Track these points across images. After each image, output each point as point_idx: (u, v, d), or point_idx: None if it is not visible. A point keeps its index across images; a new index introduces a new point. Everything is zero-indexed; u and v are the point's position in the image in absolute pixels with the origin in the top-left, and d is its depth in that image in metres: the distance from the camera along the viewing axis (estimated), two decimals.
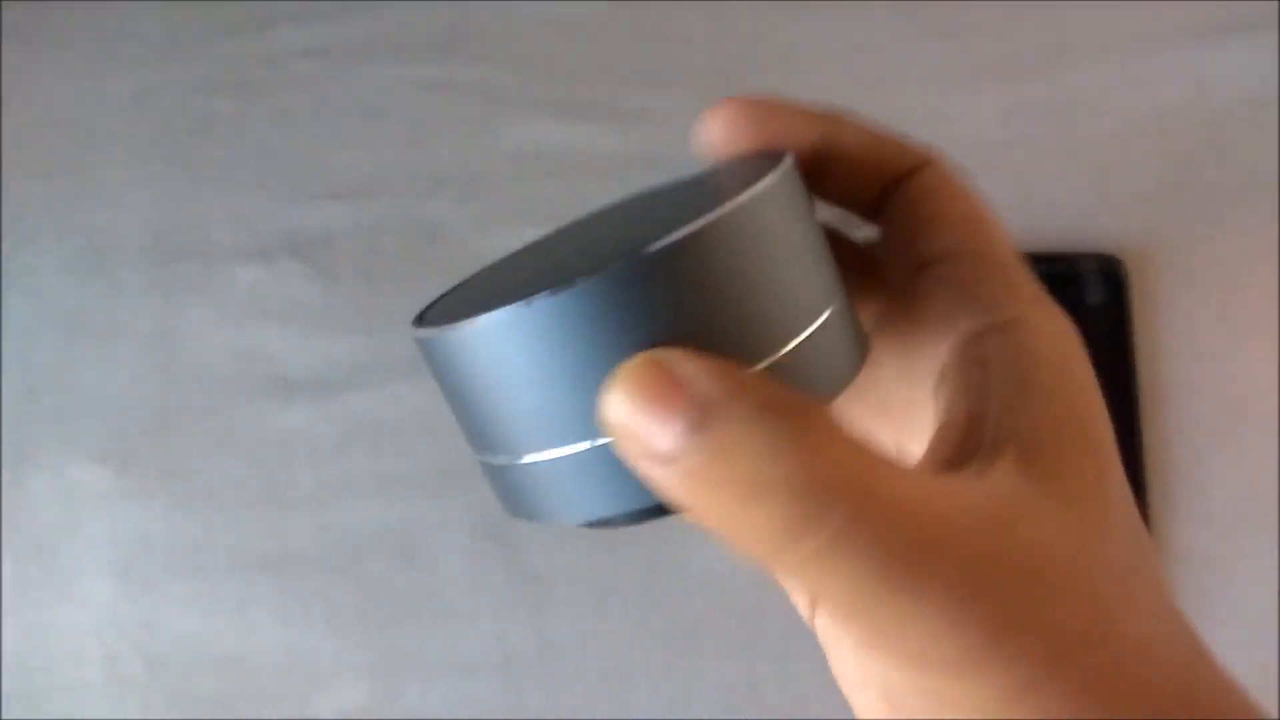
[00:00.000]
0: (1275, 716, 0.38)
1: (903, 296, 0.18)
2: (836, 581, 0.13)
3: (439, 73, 0.47)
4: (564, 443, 0.14)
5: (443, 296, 0.18)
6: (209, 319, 0.44)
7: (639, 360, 0.13)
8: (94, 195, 0.46)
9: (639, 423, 0.13)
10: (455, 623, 0.40)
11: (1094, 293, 0.42)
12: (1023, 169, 0.44)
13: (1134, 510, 0.16)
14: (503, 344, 0.14)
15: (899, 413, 0.19)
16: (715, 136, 0.18)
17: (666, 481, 0.13)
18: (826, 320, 0.16)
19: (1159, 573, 0.16)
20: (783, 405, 0.13)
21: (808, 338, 0.15)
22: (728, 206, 0.14)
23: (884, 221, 0.19)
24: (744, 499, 0.13)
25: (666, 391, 0.13)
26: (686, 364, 0.13)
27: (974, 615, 0.13)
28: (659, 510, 0.15)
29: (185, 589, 0.41)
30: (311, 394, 0.43)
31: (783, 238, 0.15)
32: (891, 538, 0.13)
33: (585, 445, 0.14)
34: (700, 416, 0.13)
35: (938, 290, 0.17)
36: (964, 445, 0.16)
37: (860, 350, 0.17)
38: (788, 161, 0.16)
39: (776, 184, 0.15)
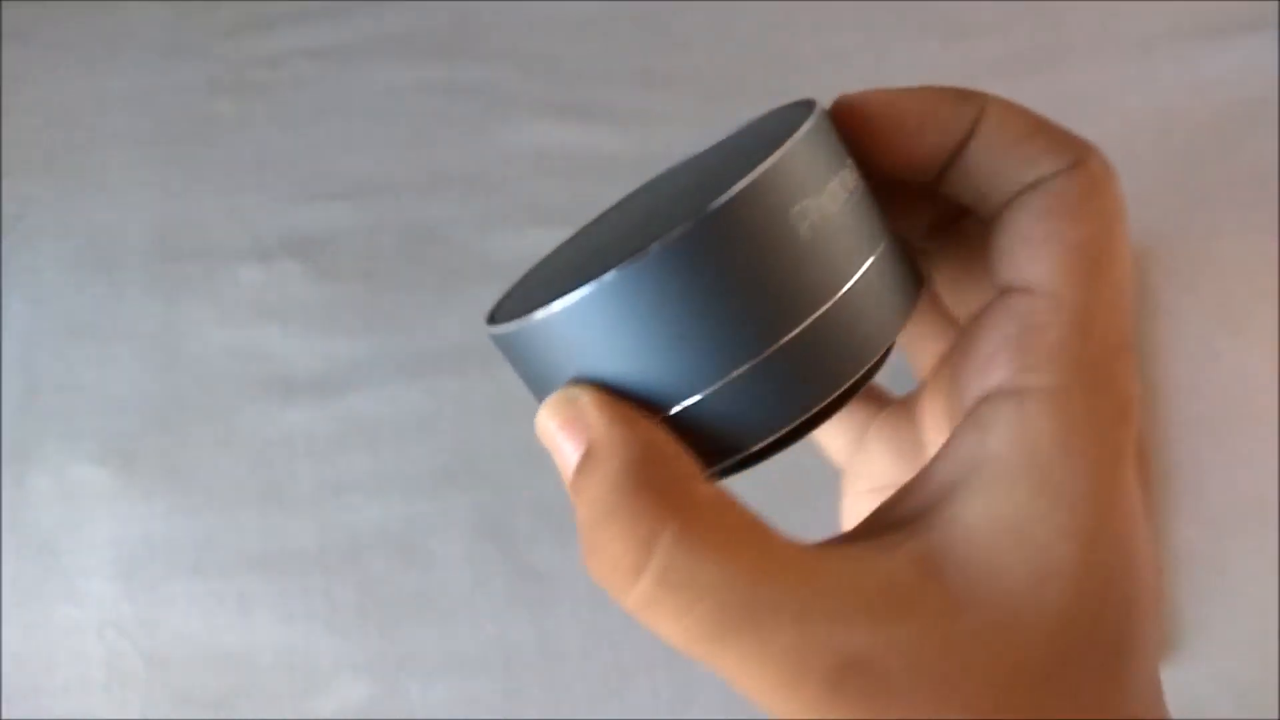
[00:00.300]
0: None
1: (968, 322, 0.17)
2: (664, 624, 0.14)
3: (440, 73, 0.47)
4: (676, 399, 0.15)
5: (504, 299, 0.19)
6: (210, 319, 0.44)
7: (554, 398, 0.15)
8: (95, 195, 0.46)
9: (554, 441, 0.15)
10: (455, 621, 0.40)
11: None
12: None
13: (1126, 625, 0.15)
14: (590, 319, 0.15)
15: (910, 452, 0.18)
16: (847, 138, 0.17)
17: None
18: (767, 357, 0.15)
19: None
20: (627, 451, 0.14)
21: (738, 376, 0.15)
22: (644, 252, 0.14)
23: (997, 226, 0.17)
24: (594, 534, 0.14)
25: (571, 425, 0.15)
26: (589, 408, 0.15)
27: (809, 674, 0.13)
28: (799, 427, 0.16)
29: (186, 588, 0.41)
30: (312, 394, 0.43)
31: (720, 277, 0.14)
32: (715, 587, 0.13)
33: (694, 398, 0.15)
34: (583, 457, 0.14)
35: (995, 326, 0.16)
36: (898, 509, 0.16)
37: (821, 384, 0.15)
38: (756, 174, 0.15)
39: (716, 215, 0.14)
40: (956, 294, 0.19)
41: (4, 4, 0.49)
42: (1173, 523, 0.40)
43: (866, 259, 0.16)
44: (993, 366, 0.15)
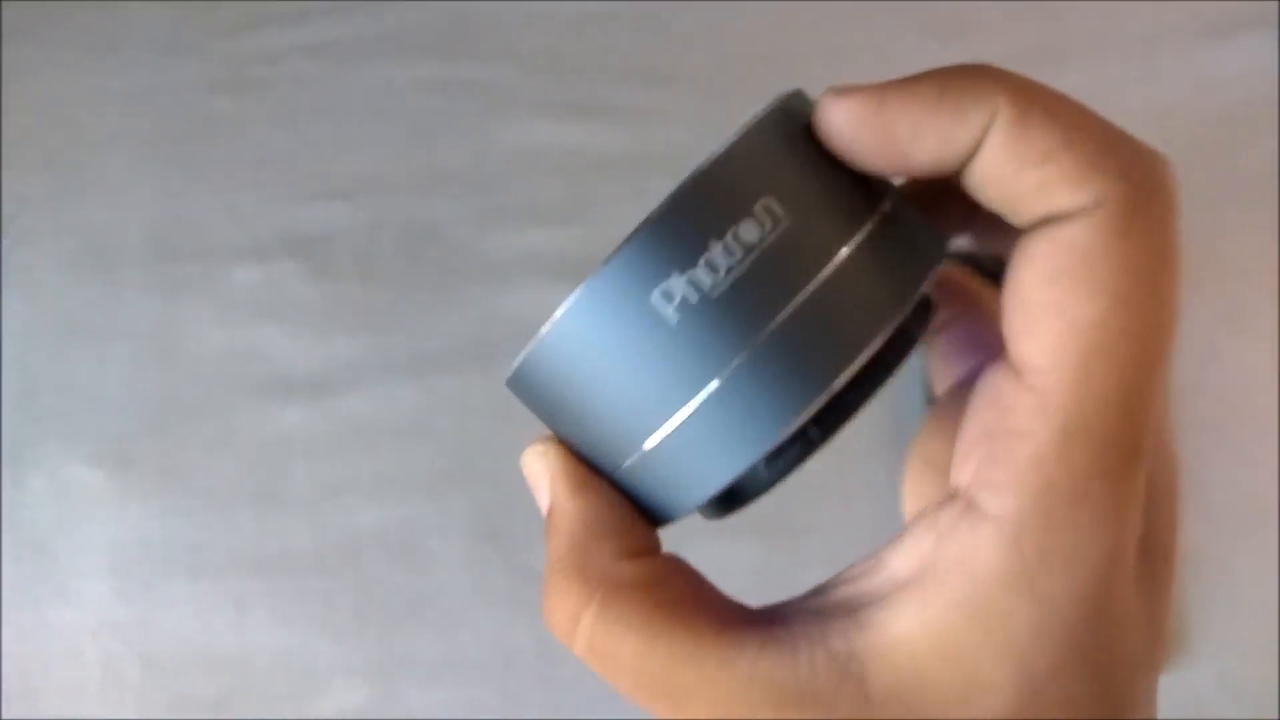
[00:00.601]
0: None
1: (963, 391, 0.15)
2: (607, 677, 0.15)
3: (438, 72, 0.47)
4: (668, 414, 0.15)
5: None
6: (207, 318, 0.44)
7: (533, 447, 0.16)
8: (92, 194, 0.46)
9: (533, 488, 0.17)
10: (453, 624, 0.40)
11: None
12: None
13: None
14: (569, 345, 0.15)
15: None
16: (840, 139, 0.15)
17: None
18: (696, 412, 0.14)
19: None
20: (566, 522, 0.15)
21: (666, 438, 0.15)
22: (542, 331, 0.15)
23: (1008, 273, 0.14)
24: (545, 591, 0.15)
25: (537, 482, 0.16)
26: (549, 470, 0.16)
27: None
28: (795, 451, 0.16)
29: (183, 590, 0.41)
30: (310, 394, 0.43)
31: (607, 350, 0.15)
32: (629, 665, 0.14)
33: (690, 407, 0.15)
34: (545, 518, 0.16)
35: (979, 407, 0.14)
36: (839, 594, 0.15)
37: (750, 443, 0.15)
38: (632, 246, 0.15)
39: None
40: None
41: (2, 3, 0.49)
42: None
43: (798, 294, 0.14)
44: (964, 460, 0.14)
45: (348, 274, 0.45)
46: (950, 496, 0.14)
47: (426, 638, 0.40)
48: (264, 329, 0.44)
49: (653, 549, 0.16)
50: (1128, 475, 0.13)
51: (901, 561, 0.14)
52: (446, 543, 0.41)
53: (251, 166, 0.46)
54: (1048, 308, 0.13)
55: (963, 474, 0.14)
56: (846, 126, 0.15)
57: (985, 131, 0.14)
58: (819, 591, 0.16)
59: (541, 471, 0.16)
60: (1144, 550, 0.14)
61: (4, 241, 0.46)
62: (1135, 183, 0.13)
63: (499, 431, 0.44)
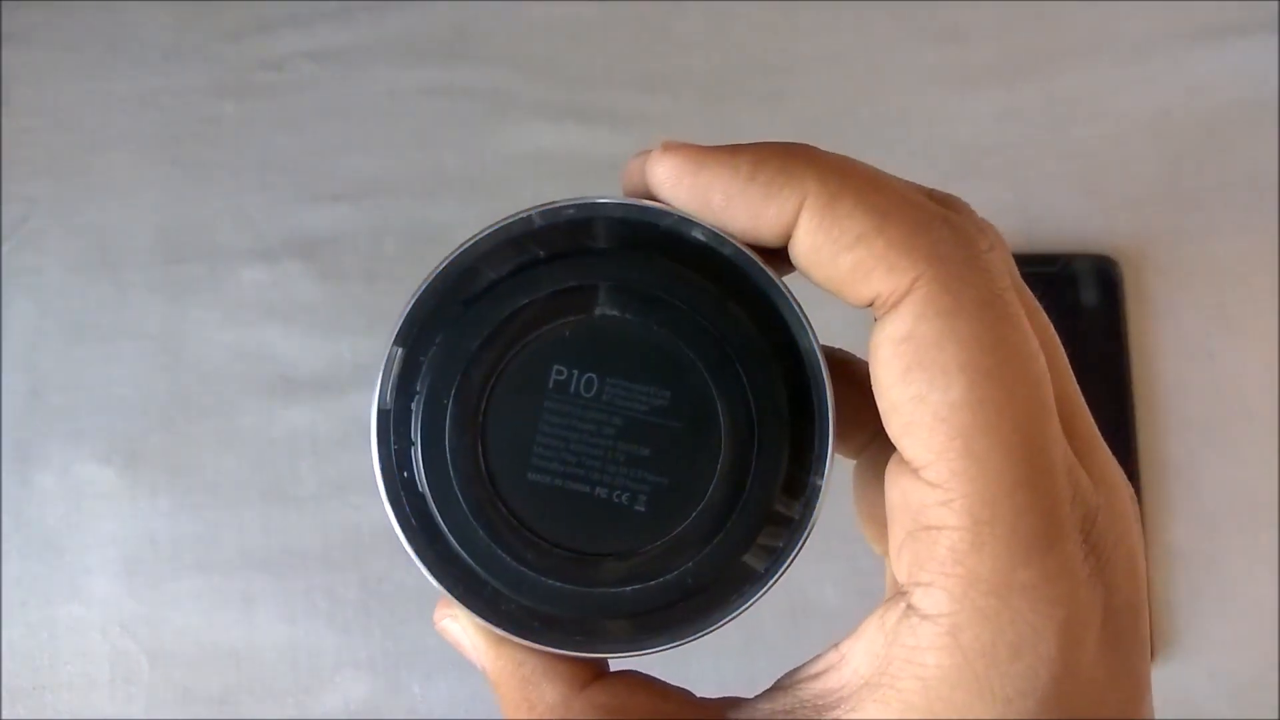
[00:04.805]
0: None
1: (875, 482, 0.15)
2: None
3: (442, 76, 0.47)
4: None
5: None
6: (214, 319, 0.44)
7: (439, 610, 0.18)
8: (99, 196, 0.46)
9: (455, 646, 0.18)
10: None
11: (1089, 294, 0.42)
12: (1018, 170, 0.45)
13: None
14: None
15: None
16: (661, 192, 0.15)
17: None
18: None
19: None
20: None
21: None
22: None
23: (872, 375, 0.14)
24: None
25: (460, 645, 0.18)
26: (460, 632, 0.17)
27: None
28: None
29: (190, 586, 0.41)
30: (315, 393, 0.43)
31: None
32: None
33: None
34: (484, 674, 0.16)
35: (898, 508, 0.14)
36: (800, 693, 0.15)
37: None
38: None
39: None
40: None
41: (6, 6, 0.49)
42: (1168, 522, 0.40)
43: None
44: (898, 558, 0.14)
45: (352, 275, 0.45)
46: (896, 594, 0.14)
47: (430, 632, 0.40)
48: (270, 329, 0.44)
49: (602, 671, 0.16)
50: (1055, 545, 0.13)
51: (861, 659, 0.14)
52: None
53: (257, 169, 0.46)
54: (912, 403, 0.13)
55: (900, 571, 0.14)
56: (667, 181, 0.15)
57: (797, 213, 0.14)
58: (785, 688, 0.16)
59: (459, 635, 0.17)
60: (1107, 612, 0.14)
61: (11, 244, 0.46)
62: (947, 256, 0.13)
63: None
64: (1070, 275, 0.42)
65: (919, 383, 0.13)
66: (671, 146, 0.15)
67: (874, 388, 0.14)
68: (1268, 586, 0.39)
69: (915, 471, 0.13)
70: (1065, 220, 0.44)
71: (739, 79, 0.47)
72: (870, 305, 0.14)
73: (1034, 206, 0.44)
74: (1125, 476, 0.15)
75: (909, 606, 0.13)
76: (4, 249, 0.46)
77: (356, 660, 0.40)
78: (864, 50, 0.47)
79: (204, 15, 0.49)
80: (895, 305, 0.13)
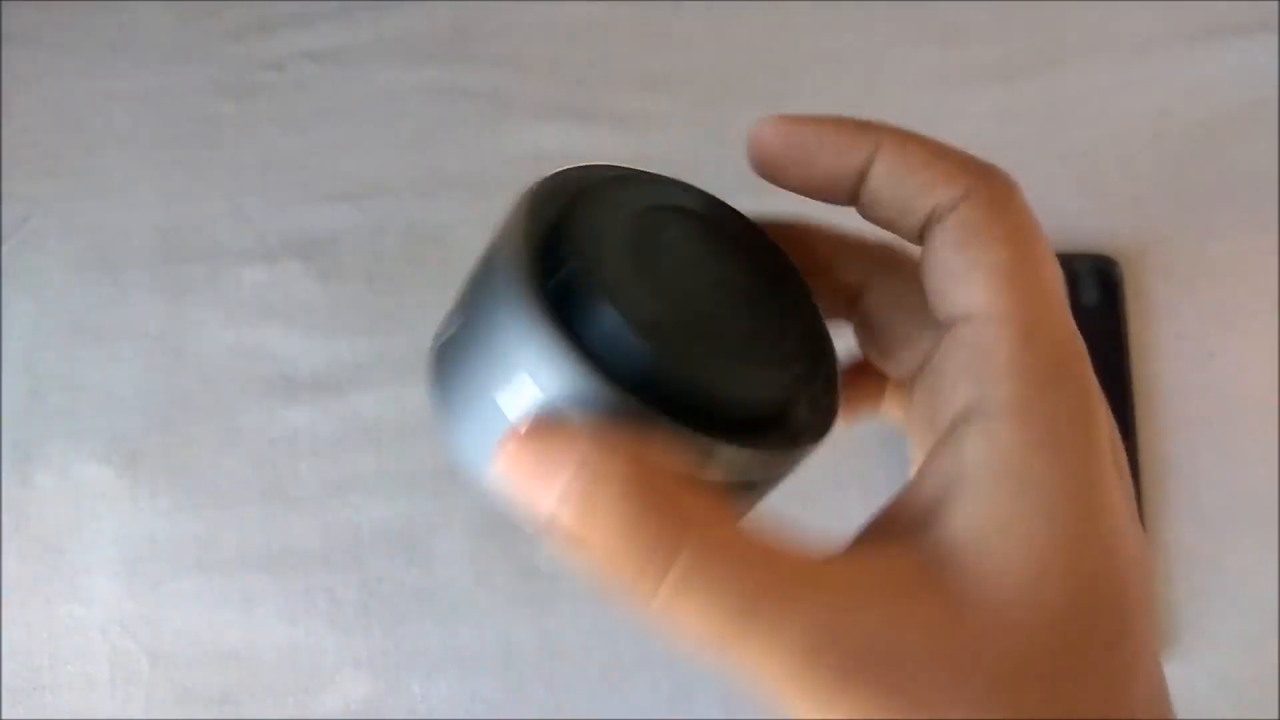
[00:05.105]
0: None
1: (929, 361, 0.18)
2: (679, 630, 0.14)
3: (442, 76, 0.47)
4: None
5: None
6: (214, 319, 0.44)
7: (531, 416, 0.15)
8: (100, 196, 0.47)
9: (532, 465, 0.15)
10: (457, 619, 0.41)
11: (1089, 293, 0.42)
12: (1018, 170, 0.44)
13: (1125, 624, 0.15)
14: None
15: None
16: (760, 161, 0.19)
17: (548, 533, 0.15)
18: None
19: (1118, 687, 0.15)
20: (631, 472, 0.14)
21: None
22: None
23: (923, 265, 0.18)
24: (601, 560, 0.14)
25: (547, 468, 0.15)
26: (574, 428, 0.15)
27: (813, 675, 0.14)
28: None
29: (190, 586, 0.41)
30: (315, 393, 0.43)
31: None
32: (729, 593, 0.14)
33: None
34: (577, 475, 0.14)
35: (951, 358, 0.17)
36: (889, 526, 0.16)
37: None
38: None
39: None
40: (903, 343, 0.19)
41: (7, 6, 0.49)
42: (1169, 522, 0.40)
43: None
44: (956, 393, 0.16)
45: (353, 275, 0.45)
46: (951, 426, 0.16)
47: (430, 632, 0.40)
48: (270, 329, 0.44)
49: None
50: (1078, 353, 0.16)
51: (932, 483, 0.16)
52: (450, 539, 0.42)
53: (257, 169, 0.47)
54: (971, 266, 0.16)
55: (958, 402, 0.16)
56: (773, 136, 0.18)
57: (871, 158, 0.17)
58: (862, 538, 0.17)
59: (564, 447, 0.15)
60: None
61: (12, 244, 0.46)
62: (994, 181, 0.17)
63: None
64: (1070, 275, 0.42)
65: (975, 248, 0.17)
66: (775, 117, 0.18)
67: (931, 267, 0.17)
68: (1268, 586, 0.39)
69: (970, 319, 0.16)
70: (1065, 220, 0.44)
71: (739, 79, 0.47)
72: (925, 226, 0.17)
73: (1034, 206, 0.44)
74: None
75: (977, 410, 0.16)
76: (4, 249, 0.46)
77: (356, 660, 0.40)
78: (864, 50, 0.47)
79: (204, 15, 0.49)
80: (953, 207, 0.17)
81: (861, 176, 0.18)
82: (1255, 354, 0.42)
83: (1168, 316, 0.42)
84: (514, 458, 0.15)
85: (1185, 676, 0.39)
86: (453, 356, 0.17)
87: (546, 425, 0.15)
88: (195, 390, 0.44)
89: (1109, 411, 0.17)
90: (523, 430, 0.15)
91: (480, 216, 0.49)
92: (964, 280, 0.16)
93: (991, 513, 0.15)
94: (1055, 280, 0.17)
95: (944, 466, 0.16)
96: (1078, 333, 0.17)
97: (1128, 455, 0.41)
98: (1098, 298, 0.42)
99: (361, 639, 0.41)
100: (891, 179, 0.17)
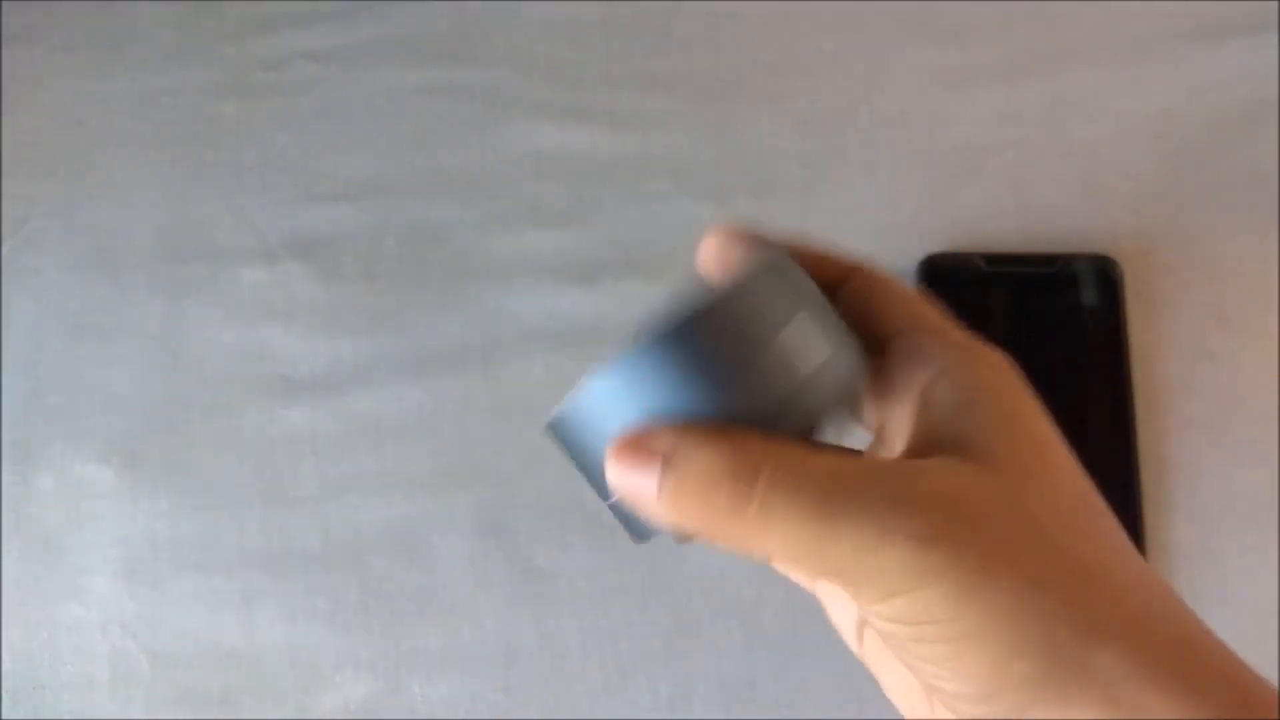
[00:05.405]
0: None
1: (876, 370, 0.22)
2: (776, 536, 0.17)
3: (442, 76, 0.47)
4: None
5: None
6: (214, 319, 0.45)
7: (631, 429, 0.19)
8: (99, 196, 0.47)
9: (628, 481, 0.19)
10: (457, 619, 0.41)
11: (1089, 293, 0.42)
12: (1019, 170, 0.45)
13: (1085, 486, 0.20)
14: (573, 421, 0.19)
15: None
16: (708, 261, 0.23)
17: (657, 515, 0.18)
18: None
19: (1122, 537, 0.19)
20: (711, 437, 0.18)
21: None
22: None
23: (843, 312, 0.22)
24: (700, 503, 0.18)
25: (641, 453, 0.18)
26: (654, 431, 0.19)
27: (896, 534, 0.17)
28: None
29: (190, 586, 0.41)
30: (315, 393, 0.43)
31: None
32: (808, 487, 0.17)
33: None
34: (665, 461, 0.18)
35: (897, 358, 0.21)
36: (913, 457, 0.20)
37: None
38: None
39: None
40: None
41: (7, 6, 0.49)
42: (1169, 521, 0.40)
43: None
44: (913, 376, 0.21)
45: (353, 275, 0.45)
46: (920, 395, 0.21)
47: (430, 632, 0.41)
48: (270, 329, 0.44)
49: None
50: (968, 335, 0.21)
51: (926, 429, 0.20)
52: (450, 539, 0.42)
53: (257, 169, 0.47)
54: (887, 302, 0.22)
55: (918, 380, 0.21)
56: (711, 247, 0.22)
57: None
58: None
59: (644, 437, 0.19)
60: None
61: (12, 244, 0.46)
62: (863, 260, 0.23)
63: (501, 430, 0.45)
64: (1071, 275, 0.42)
65: (887, 292, 0.22)
66: (718, 231, 0.22)
67: (862, 307, 0.22)
68: (1267, 586, 0.39)
69: (902, 333, 0.21)
70: (1065, 220, 0.44)
71: (739, 79, 0.47)
72: (835, 284, 0.23)
73: (1034, 206, 0.44)
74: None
75: (948, 368, 0.20)
76: (4, 249, 0.46)
77: (356, 660, 0.40)
78: (864, 50, 0.47)
79: (205, 15, 0.49)
80: (853, 273, 0.23)
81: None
82: (1255, 354, 0.42)
83: (1168, 316, 0.42)
84: (617, 460, 0.18)
85: None
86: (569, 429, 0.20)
87: (635, 433, 0.19)
88: (195, 390, 0.44)
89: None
90: (619, 441, 0.19)
91: (480, 216, 0.50)
92: (886, 311, 0.22)
93: (996, 415, 0.19)
94: (937, 309, 0.22)
95: (932, 414, 0.20)
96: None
97: (1129, 455, 0.42)
98: (1098, 297, 0.42)
99: (361, 639, 0.41)
100: (812, 262, 0.22)
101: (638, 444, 0.18)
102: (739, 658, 0.40)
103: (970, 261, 0.42)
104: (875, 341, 0.22)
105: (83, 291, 0.45)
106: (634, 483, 0.18)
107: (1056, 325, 0.42)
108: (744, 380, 0.19)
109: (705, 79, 0.47)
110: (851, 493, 0.17)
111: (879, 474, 0.18)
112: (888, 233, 0.44)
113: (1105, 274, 0.42)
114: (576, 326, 0.43)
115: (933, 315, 0.22)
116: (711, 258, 0.22)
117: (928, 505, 0.17)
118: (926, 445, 0.19)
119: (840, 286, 0.22)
